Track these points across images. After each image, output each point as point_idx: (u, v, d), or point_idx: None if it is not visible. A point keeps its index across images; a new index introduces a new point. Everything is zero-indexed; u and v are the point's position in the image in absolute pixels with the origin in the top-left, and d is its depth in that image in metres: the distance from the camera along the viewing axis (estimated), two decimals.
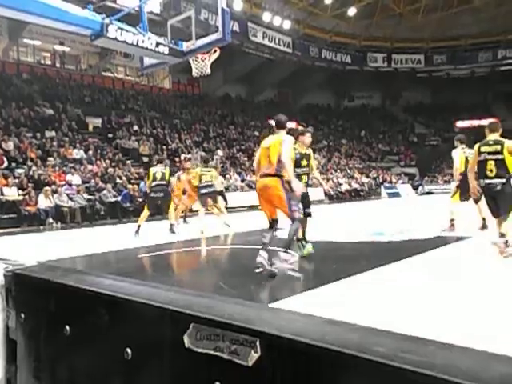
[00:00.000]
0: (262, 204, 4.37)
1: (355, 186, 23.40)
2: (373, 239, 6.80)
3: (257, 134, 25.77)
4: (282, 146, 4.18)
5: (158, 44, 5.06)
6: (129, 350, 0.84)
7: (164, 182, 8.31)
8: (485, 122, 29.62)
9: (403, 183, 25.82)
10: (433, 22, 27.69)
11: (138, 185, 14.81)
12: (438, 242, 6.24)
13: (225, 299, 0.81)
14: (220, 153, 20.85)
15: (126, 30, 4.66)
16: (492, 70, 30.84)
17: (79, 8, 4.35)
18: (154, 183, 8.33)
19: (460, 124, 32.36)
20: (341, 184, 22.56)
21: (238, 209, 16.00)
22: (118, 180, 14.53)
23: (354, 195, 22.63)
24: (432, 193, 24.75)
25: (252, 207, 16.37)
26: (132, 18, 5.40)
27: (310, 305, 3.27)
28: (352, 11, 26.95)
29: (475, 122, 31.66)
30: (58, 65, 23.32)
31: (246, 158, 21.57)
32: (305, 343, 0.61)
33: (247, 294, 3.75)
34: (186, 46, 5.43)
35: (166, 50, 5.13)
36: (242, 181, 18.82)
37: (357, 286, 3.92)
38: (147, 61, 6.11)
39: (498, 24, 27.56)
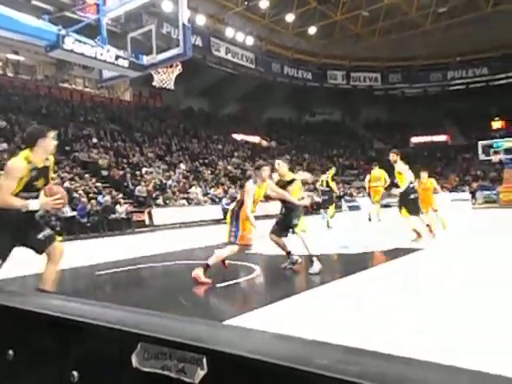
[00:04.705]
0: None
1: (317, 199, 23.83)
2: (333, 252, 6.94)
3: (220, 147, 25.79)
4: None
5: (117, 57, 4.99)
6: (75, 373, 0.82)
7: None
8: (437, 138, 31.05)
9: (363, 196, 26.58)
10: (388, 42, 29.09)
11: (96, 199, 14.38)
12: (394, 254, 6.45)
13: (173, 317, 0.81)
14: (183, 166, 20.67)
15: (84, 42, 4.57)
16: (442, 89, 32.70)
17: (33, 18, 4.23)
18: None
19: (414, 140, 33.92)
20: (303, 197, 22.90)
21: (200, 223, 15.85)
22: (75, 194, 14.04)
23: (316, 208, 23.04)
24: (389, 206, 25.57)
25: (216, 221, 16.28)
26: (92, 30, 5.32)
27: (267, 319, 3.28)
28: (312, 30, 27.84)
29: (428, 138, 33.35)
30: (10, 74, 22.42)
31: (209, 172, 21.50)
32: (251, 358, 0.62)
33: (205, 310, 3.71)
34: (146, 59, 5.39)
35: (126, 64, 5.07)
36: (205, 195, 18.71)
37: (315, 299, 3.97)
38: (106, 73, 6.00)
39: (446, 47, 29.38)
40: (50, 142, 3.21)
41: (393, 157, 7.94)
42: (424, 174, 9.44)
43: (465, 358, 2.24)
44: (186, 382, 0.67)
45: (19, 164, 3.07)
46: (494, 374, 0.50)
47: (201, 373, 0.65)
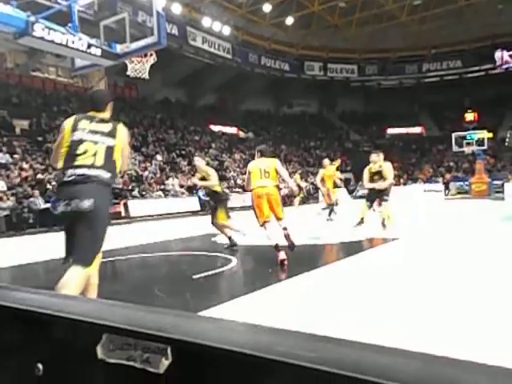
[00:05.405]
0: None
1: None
2: (308, 242, 7.02)
3: (197, 138, 25.56)
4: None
5: (89, 45, 4.86)
6: (40, 366, 0.81)
7: None
8: (412, 129, 31.61)
9: (339, 187, 26.90)
10: (365, 34, 29.29)
11: None
12: (370, 243, 6.59)
13: (139, 307, 0.81)
14: (159, 157, 20.42)
15: (54, 30, 4.43)
16: (417, 81, 33.24)
17: (0, 3, 4.06)
18: None
19: (390, 131, 34.47)
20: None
21: (176, 215, 15.75)
22: (48, 186, 13.70)
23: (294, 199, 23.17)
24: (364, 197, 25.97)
25: (193, 213, 16.20)
26: (65, 17, 5.15)
27: (243, 310, 3.31)
28: (290, 20, 27.75)
29: (404, 130, 33.95)
30: None
31: (185, 163, 21.31)
32: (213, 347, 0.63)
33: (181, 301, 3.71)
34: (120, 48, 5.27)
35: (99, 52, 4.94)
36: (182, 186, 18.57)
37: (292, 289, 4.03)
38: (79, 62, 5.85)
39: (421, 39, 29.83)
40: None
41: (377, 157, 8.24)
42: (326, 161, 9.60)
43: (434, 346, 2.32)
44: (151, 372, 0.67)
45: None
46: (441, 355, 0.53)
47: (165, 363, 0.66)
